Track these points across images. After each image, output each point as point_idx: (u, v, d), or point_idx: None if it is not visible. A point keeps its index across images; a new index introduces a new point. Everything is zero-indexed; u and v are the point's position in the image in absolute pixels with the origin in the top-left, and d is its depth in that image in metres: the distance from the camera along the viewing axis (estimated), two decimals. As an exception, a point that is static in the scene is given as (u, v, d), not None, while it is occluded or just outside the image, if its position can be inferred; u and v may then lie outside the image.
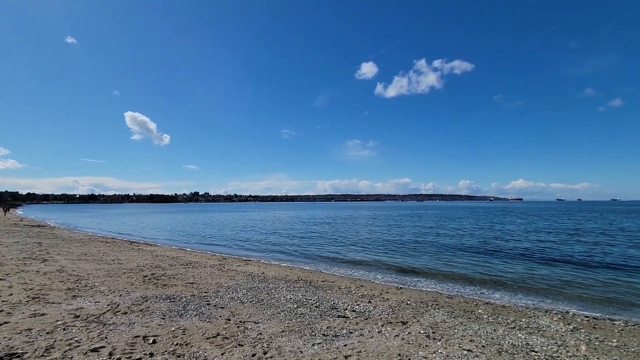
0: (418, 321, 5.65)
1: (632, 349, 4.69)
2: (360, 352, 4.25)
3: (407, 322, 5.60)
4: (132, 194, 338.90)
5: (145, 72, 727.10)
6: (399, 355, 4.17)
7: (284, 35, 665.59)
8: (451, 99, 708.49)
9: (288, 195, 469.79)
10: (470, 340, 4.77)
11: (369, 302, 6.88)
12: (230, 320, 5.35)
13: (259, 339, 4.58)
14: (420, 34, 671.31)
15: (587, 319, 6.29)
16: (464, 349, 4.41)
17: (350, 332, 4.97)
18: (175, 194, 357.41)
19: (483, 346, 4.56)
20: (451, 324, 5.52)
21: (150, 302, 6.20)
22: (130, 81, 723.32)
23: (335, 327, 5.18)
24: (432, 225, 29.87)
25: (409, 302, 6.92)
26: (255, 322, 5.29)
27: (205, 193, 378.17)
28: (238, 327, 5.04)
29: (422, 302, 7.02)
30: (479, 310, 6.51)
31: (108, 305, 5.91)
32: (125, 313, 5.49)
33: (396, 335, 4.89)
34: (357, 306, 6.48)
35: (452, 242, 18.12)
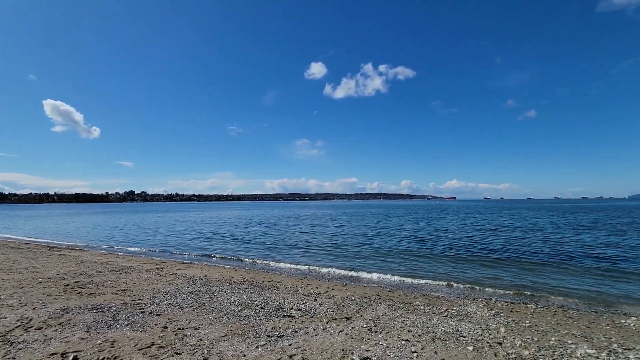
0: (361, 316, 5.85)
1: (542, 329, 5.41)
2: (304, 350, 4.26)
3: (351, 317, 5.77)
4: (52, 193, 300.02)
5: (69, 55, 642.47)
6: (342, 350, 4.28)
7: (232, 32, 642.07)
8: (395, 102, 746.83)
9: (234, 194, 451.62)
10: (408, 331, 5.08)
11: (315, 300, 6.95)
12: (167, 327, 5.00)
13: (199, 345, 4.34)
14: (367, 39, 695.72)
15: (506, 303, 7.10)
16: (402, 339, 4.68)
17: (296, 331, 4.97)
18: (107, 192, 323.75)
19: (419, 335, 4.89)
20: (391, 317, 5.82)
21: (72, 314, 5.53)
22: (50, 65, 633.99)
23: (280, 327, 5.14)
24: (374, 224, 31.24)
25: (353, 298, 7.13)
26: (196, 328, 5.01)
27: (142, 192, 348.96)
28: (176, 334, 4.72)
29: (365, 297, 7.29)
30: (417, 302, 6.97)
31: (17, 320, 5.14)
32: (39, 328, 4.83)
33: (340, 331, 5.01)
34: (303, 305, 6.50)
35: (392, 240, 19.16)
